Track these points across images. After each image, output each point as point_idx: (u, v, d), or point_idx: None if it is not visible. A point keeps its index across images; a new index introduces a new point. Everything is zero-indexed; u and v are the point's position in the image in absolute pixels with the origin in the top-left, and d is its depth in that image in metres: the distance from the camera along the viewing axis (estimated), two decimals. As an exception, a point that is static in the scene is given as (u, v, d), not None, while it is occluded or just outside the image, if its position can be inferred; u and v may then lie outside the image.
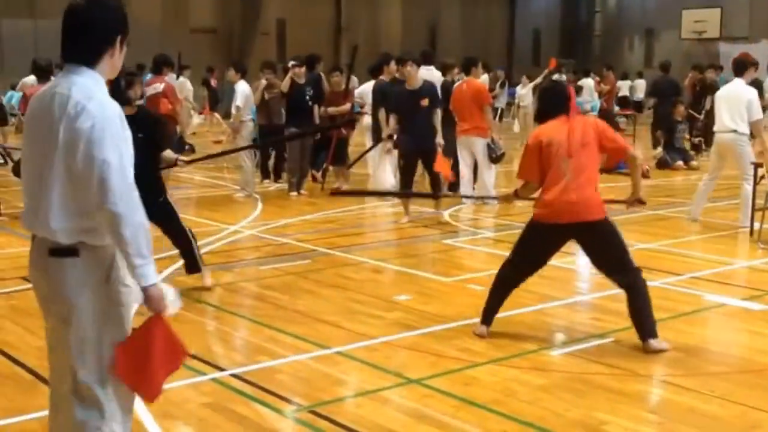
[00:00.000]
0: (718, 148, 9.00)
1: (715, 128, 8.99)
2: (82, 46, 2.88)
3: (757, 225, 8.33)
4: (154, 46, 15.73)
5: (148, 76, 11.59)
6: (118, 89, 6.11)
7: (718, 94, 9.16)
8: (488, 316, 5.31)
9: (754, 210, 8.54)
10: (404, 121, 9.20)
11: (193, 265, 6.37)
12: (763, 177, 8.30)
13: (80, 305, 2.87)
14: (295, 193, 11.16)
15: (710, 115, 15.65)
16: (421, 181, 10.37)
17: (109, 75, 2.93)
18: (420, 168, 9.54)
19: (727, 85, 9.18)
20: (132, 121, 6.31)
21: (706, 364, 4.81)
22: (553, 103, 5.14)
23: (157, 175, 6.25)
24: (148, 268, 2.80)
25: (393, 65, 10.95)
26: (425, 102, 9.11)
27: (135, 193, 2.79)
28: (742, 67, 8.93)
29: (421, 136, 9.05)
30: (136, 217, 2.76)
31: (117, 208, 2.72)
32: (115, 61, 2.93)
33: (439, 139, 9.17)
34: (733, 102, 8.73)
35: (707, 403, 4.27)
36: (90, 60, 2.87)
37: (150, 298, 2.85)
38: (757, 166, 8.56)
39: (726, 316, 5.74)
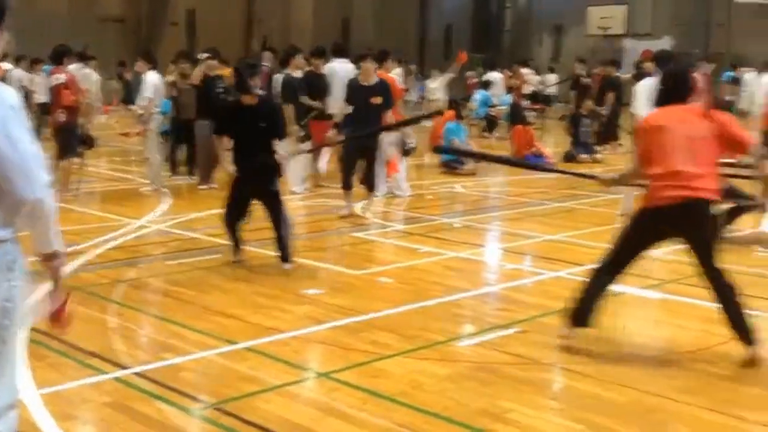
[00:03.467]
0: None
1: None
2: None
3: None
4: (60, 36, 15.21)
5: (48, 67, 11.22)
6: (241, 78, 6.57)
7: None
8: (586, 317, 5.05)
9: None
10: (354, 115, 8.98)
11: (286, 256, 6.76)
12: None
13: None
14: (205, 186, 10.99)
15: (614, 110, 16.10)
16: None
17: None
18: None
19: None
20: (254, 110, 6.58)
21: (606, 352, 4.95)
22: (678, 87, 4.93)
23: (273, 163, 6.47)
24: (60, 235, 2.87)
25: (300, 58, 10.91)
26: (378, 100, 8.92)
27: (46, 174, 2.76)
28: None
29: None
30: (51, 198, 2.77)
31: (40, 195, 2.71)
32: None
33: (392, 138, 8.96)
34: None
35: (607, 390, 4.40)
36: None
37: (61, 259, 2.92)
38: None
39: (625, 305, 5.92)
